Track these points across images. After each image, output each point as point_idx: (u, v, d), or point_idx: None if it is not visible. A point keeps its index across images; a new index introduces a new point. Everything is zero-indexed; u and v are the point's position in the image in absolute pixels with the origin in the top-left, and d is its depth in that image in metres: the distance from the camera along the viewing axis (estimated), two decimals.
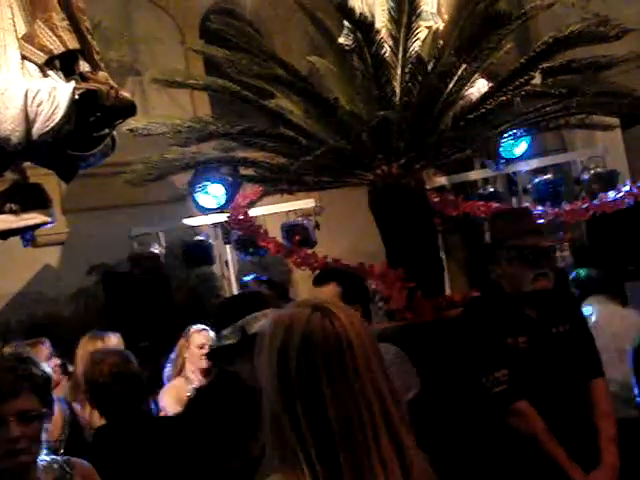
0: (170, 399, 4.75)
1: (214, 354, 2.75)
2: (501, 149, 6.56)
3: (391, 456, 1.40)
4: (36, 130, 4.84)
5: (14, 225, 5.18)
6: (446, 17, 5.82)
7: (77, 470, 2.32)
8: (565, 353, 3.11)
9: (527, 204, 6.80)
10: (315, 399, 1.39)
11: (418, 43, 5.17)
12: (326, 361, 1.40)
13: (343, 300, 4.13)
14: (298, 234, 6.71)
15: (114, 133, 5.68)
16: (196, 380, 4.78)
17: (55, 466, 2.27)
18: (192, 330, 4.94)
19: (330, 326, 1.42)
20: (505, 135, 5.71)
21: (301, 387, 1.40)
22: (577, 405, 3.07)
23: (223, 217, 6.48)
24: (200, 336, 4.87)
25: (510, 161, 7.00)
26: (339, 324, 1.42)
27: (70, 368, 4.82)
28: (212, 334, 4.80)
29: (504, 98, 5.03)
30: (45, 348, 4.33)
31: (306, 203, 6.96)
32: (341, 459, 1.37)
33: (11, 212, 5.19)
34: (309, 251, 6.04)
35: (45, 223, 5.40)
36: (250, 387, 1.99)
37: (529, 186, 7.12)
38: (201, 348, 4.80)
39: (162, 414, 4.67)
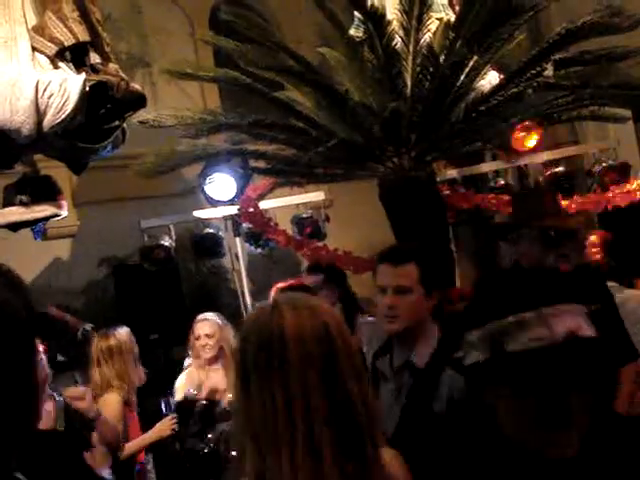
0: (182, 383, 4.76)
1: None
2: (512, 141, 6.52)
3: (304, 458, 1.41)
4: (47, 122, 4.84)
5: (25, 217, 5.19)
6: (457, 8, 5.79)
7: None
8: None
9: None
10: (244, 388, 1.50)
11: (429, 35, 5.15)
12: (256, 352, 1.50)
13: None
14: (308, 227, 6.70)
15: (124, 125, 5.69)
16: (204, 370, 4.76)
17: None
18: (195, 320, 4.92)
19: (269, 322, 1.51)
20: (517, 127, 5.69)
21: (241, 376, 1.52)
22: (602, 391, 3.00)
23: (233, 210, 6.47)
24: (198, 326, 4.82)
25: (522, 153, 6.97)
26: (278, 321, 1.50)
27: (60, 358, 4.85)
28: (216, 321, 4.79)
29: (516, 90, 4.99)
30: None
31: (316, 196, 6.95)
32: (251, 449, 1.45)
33: (22, 204, 5.21)
34: (319, 244, 6.03)
35: (56, 215, 5.41)
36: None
37: (540, 179, 7.09)
38: (198, 339, 4.78)
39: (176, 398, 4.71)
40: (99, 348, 4.54)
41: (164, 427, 4.51)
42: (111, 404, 4.35)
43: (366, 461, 1.45)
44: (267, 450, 1.43)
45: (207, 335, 4.73)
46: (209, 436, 4.47)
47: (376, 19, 4.58)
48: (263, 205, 6.52)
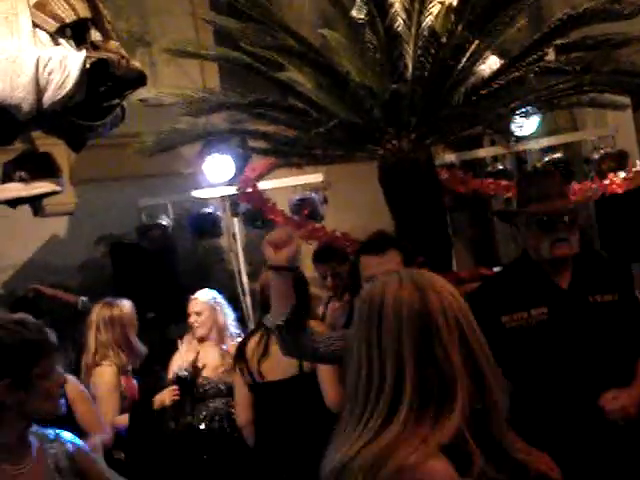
0: (175, 360, 4.80)
1: None
2: (512, 126, 6.53)
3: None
4: (47, 99, 4.82)
5: (23, 193, 5.17)
6: None
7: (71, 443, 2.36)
8: (605, 326, 2.95)
9: None
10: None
11: (431, 18, 5.14)
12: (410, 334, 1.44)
13: None
14: (306, 208, 6.72)
15: (124, 103, 5.68)
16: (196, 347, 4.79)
17: (43, 432, 2.32)
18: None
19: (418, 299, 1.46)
20: (516, 112, 5.69)
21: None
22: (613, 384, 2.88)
23: (232, 190, 6.48)
24: (190, 304, 4.86)
25: (520, 139, 6.98)
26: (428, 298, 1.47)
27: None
28: (206, 300, 4.82)
29: (517, 74, 5.00)
30: None
31: (314, 177, 6.95)
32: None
33: (21, 180, 5.19)
34: (317, 225, 6.05)
35: (55, 192, 5.39)
36: None
37: (539, 164, 7.11)
38: (189, 317, 4.82)
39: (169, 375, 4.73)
40: (100, 316, 4.58)
41: (165, 396, 4.53)
42: (104, 375, 4.38)
43: None
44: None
45: (196, 313, 4.77)
46: (203, 413, 4.50)
47: (379, 1, 4.57)
48: (261, 186, 6.52)
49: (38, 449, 2.24)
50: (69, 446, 2.32)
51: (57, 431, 2.37)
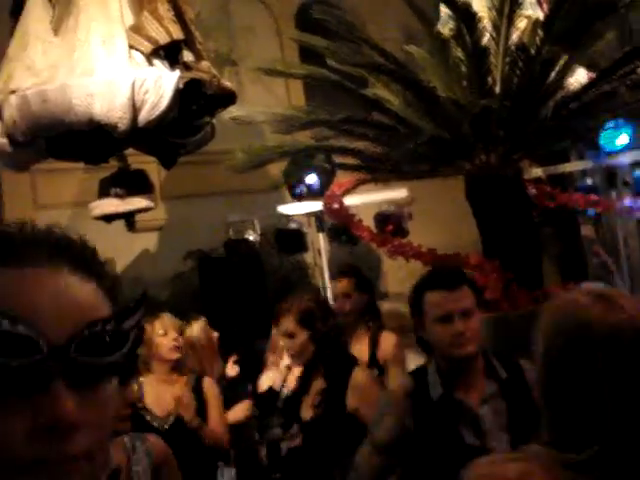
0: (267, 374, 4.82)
1: None
2: (601, 140, 6.40)
3: None
4: (142, 118, 5.02)
5: (120, 209, 5.39)
6: (545, 7, 5.74)
7: (152, 445, 2.26)
8: None
9: (627, 198, 6.64)
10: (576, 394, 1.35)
11: (518, 33, 5.13)
12: (606, 355, 1.33)
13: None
14: (391, 224, 6.72)
15: (214, 121, 5.84)
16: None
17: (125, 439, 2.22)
18: None
19: (613, 317, 1.34)
20: (606, 126, 5.60)
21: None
22: None
23: (317, 205, 6.54)
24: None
25: (610, 153, 6.83)
26: (623, 315, 1.34)
27: None
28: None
29: (607, 88, 4.92)
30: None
31: (399, 193, 6.95)
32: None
33: (116, 196, 5.41)
34: (403, 241, 6.04)
35: (148, 208, 5.60)
36: None
37: (629, 179, 6.94)
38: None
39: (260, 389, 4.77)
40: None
41: (238, 411, 4.57)
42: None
43: None
44: None
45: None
46: (291, 430, 4.53)
47: (467, 16, 4.58)
48: (346, 202, 6.56)
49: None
50: (151, 451, 2.29)
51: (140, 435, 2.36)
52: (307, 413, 3.36)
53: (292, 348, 3.39)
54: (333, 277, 4.38)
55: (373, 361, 4.27)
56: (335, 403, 3.21)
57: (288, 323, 3.35)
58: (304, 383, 3.47)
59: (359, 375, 3.27)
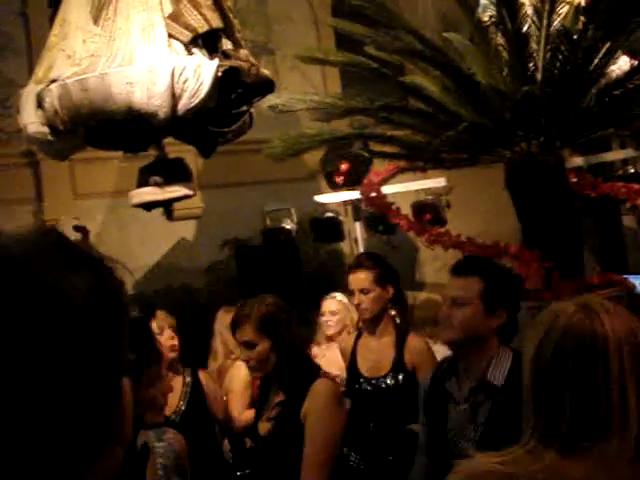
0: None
1: None
2: None
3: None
4: (181, 106, 5.03)
5: (159, 197, 5.41)
6: None
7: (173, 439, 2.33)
8: None
9: None
10: (557, 395, 1.47)
11: (559, 19, 5.04)
12: (577, 361, 1.46)
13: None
14: (428, 213, 6.68)
15: (252, 110, 5.84)
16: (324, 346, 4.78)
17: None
18: (323, 298, 4.93)
19: (589, 326, 1.47)
20: None
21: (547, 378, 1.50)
22: None
23: (354, 194, 6.52)
24: (325, 303, 4.85)
25: None
26: (599, 324, 1.47)
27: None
28: (343, 300, 4.75)
29: None
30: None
31: (437, 182, 6.90)
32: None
33: (156, 185, 5.43)
34: (441, 230, 5.99)
35: (188, 196, 5.61)
36: None
37: None
38: (323, 315, 4.81)
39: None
40: (222, 322, 4.61)
41: (248, 414, 4.54)
42: (241, 370, 4.19)
43: None
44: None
45: (331, 312, 4.78)
46: None
47: (509, 2, 4.51)
48: (384, 190, 6.53)
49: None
50: (175, 445, 2.31)
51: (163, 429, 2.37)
52: (263, 427, 2.97)
53: (251, 359, 2.93)
54: (349, 269, 3.97)
55: (400, 365, 3.76)
56: (292, 417, 2.83)
57: (247, 331, 2.90)
58: (263, 395, 3.13)
59: (320, 385, 2.88)
